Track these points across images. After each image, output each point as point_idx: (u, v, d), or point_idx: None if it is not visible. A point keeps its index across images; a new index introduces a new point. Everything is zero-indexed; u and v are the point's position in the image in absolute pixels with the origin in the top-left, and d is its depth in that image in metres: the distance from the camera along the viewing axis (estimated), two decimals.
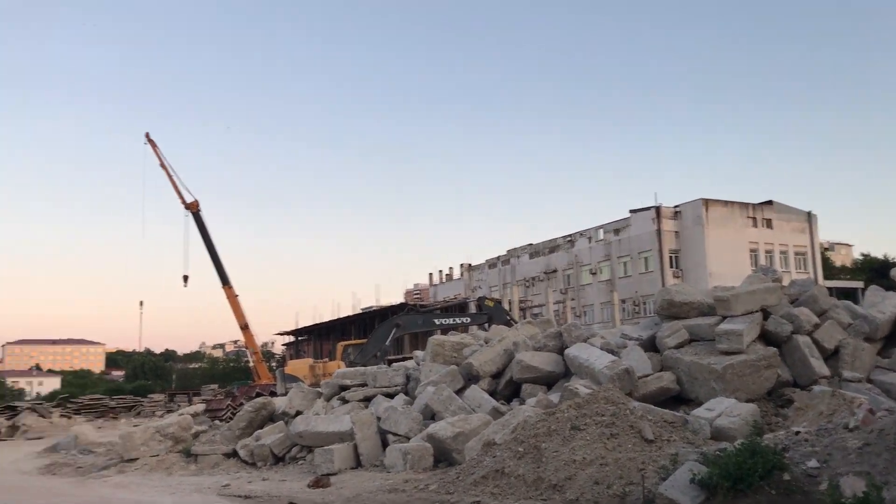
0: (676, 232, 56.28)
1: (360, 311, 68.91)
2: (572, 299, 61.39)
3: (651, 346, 13.88)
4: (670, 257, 55.88)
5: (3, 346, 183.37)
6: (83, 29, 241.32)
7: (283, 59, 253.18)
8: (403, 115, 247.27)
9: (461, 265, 78.04)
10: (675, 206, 56.84)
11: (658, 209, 56.20)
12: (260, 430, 16.40)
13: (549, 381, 14.61)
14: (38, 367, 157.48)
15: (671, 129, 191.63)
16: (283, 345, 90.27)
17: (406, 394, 16.41)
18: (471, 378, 15.46)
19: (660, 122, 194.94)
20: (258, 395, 28.84)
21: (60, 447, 22.95)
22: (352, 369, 19.34)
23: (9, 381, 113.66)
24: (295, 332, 78.46)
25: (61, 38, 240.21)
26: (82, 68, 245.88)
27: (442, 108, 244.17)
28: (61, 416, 41.91)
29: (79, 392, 67.12)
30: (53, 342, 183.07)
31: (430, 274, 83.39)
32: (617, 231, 59.91)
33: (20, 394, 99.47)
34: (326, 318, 71.37)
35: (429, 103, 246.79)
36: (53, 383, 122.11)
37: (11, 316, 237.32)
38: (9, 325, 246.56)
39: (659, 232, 55.79)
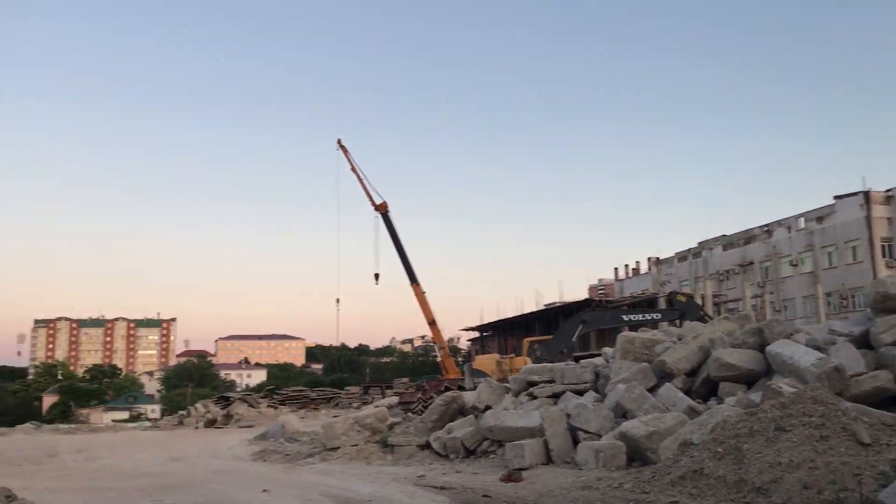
0: (889, 219, 51.74)
1: (543, 308, 68.77)
2: (771, 293, 57.96)
3: (863, 342, 12.81)
4: (882, 246, 51.44)
5: (216, 341, 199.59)
6: (275, 41, 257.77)
7: (459, 57, 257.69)
8: (586, 103, 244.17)
9: (648, 259, 75.94)
10: (887, 191, 52.22)
11: (867, 194, 51.89)
12: (451, 423, 16.73)
13: (748, 380, 13.87)
14: (246, 361, 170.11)
15: (878, 107, 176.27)
16: (468, 340, 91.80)
17: (595, 391, 16.17)
18: (663, 376, 14.99)
19: (864, 100, 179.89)
20: (447, 388, 29.48)
21: (269, 435, 24.63)
22: (539, 365, 19.32)
23: (222, 373, 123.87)
24: (479, 328, 79.55)
25: (257, 49, 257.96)
26: (282, 77, 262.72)
27: (626, 97, 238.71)
28: (268, 406, 45.03)
29: (282, 384, 71.92)
30: (259, 337, 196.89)
31: (616, 268, 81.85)
32: (820, 219, 55.90)
33: (232, 385, 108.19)
34: (510, 314, 71.79)
35: (611, 93, 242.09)
36: (260, 375, 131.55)
37: (223, 314, 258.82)
38: (221, 322, 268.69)
39: (868, 219, 51.50)
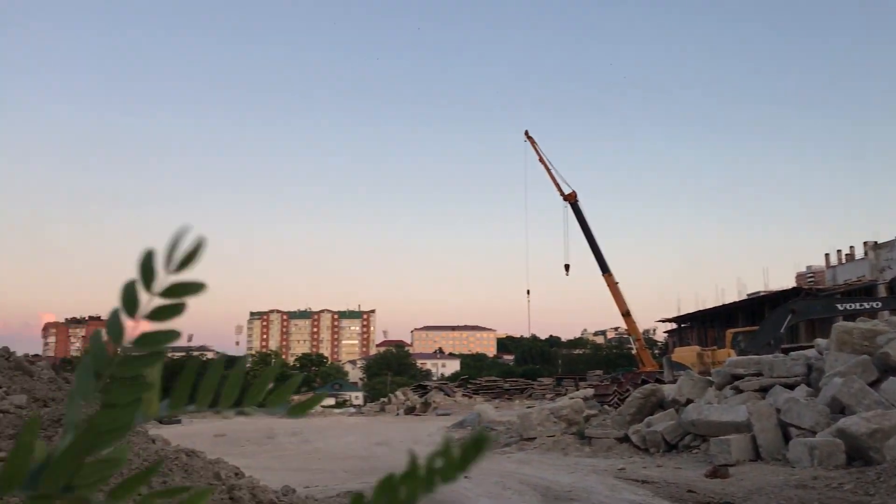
0: None
1: (746, 297, 65.33)
2: None
3: None
4: None
5: (411, 331, 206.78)
6: (465, 34, 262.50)
7: (649, 43, 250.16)
8: (789, 82, 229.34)
9: (864, 243, 69.94)
10: None
11: None
12: (650, 417, 16.35)
13: None
14: (440, 351, 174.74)
15: None
16: (664, 332, 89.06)
17: (808, 385, 15.17)
18: (886, 369, 13.77)
19: None
20: (644, 381, 28.81)
21: (466, 423, 25.23)
22: (744, 358, 18.42)
23: (418, 362, 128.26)
24: (677, 319, 76.95)
25: (446, 41, 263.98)
26: (470, 70, 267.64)
27: (836, 70, 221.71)
28: (463, 395, 46.16)
29: (475, 374, 73.32)
30: (452, 328, 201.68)
31: (827, 254, 76.00)
32: None
33: (428, 374, 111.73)
34: (709, 305, 68.82)
35: (818, 68, 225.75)
36: (454, 365, 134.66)
37: (419, 305, 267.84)
38: (416, 313, 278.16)
39: None
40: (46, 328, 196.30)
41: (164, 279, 0.63)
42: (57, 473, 0.54)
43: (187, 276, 0.64)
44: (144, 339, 0.63)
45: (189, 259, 0.63)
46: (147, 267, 0.62)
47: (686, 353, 39.07)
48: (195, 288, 0.63)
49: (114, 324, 0.63)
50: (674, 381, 21.69)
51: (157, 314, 0.63)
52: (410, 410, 39.94)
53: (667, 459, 14.11)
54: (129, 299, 0.62)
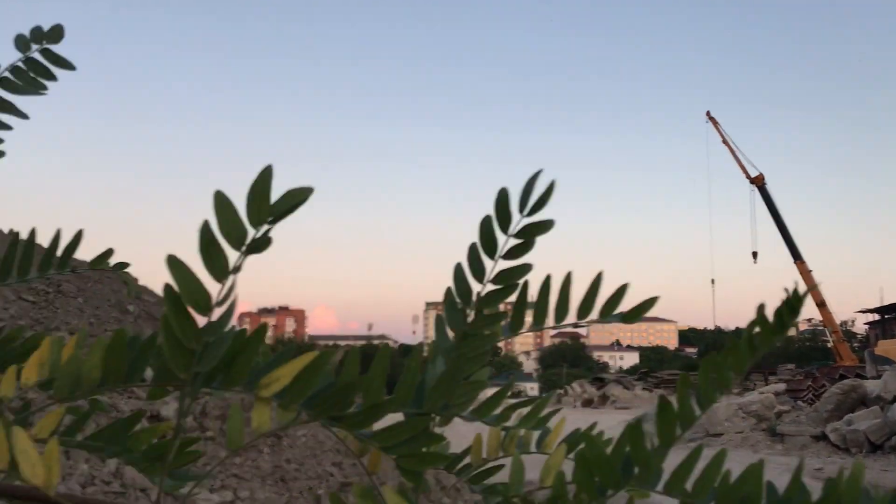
0: None
1: None
2: None
3: None
4: None
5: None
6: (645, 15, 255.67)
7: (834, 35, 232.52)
8: None
9: None
10: None
11: None
12: (851, 414, 15.21)
13: None
14: (617, 343, 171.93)
15: None
16: (865, 323, 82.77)
17: None
18: None
19: None
20: (842, 376, 26.90)
21: (647, 418, 24.53)
22: None
23: (594, 354, 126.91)
24: (879, 310, 71.34)
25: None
26: (647, 51, 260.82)
27: None
28: (643, 388, 45.02)
29: (655, 367, 71.40)
30: None
31: None
32: None
33: (604, 366, 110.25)
34: None
35: None
36: (632, 358, 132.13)
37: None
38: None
39: None
40: (241, 317, 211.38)
41: (518, 220, 0.71)
42: (438, 393, 0.67)
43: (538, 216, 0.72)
44: (503, 274, 0.73)
45: (542, 202, 0.69)
46: (503, 209, 0.69)
47: (891, 347, 36.25)
48: (546, 226, 0.70)
49: (474, 261, 0.72)
50: (877, 377, 20.17)
51: (512, 252, 0.71)
52: (588, 403, 39.50)
53: (871, 461, 13.02)
54: (488, 239, 0.71)
